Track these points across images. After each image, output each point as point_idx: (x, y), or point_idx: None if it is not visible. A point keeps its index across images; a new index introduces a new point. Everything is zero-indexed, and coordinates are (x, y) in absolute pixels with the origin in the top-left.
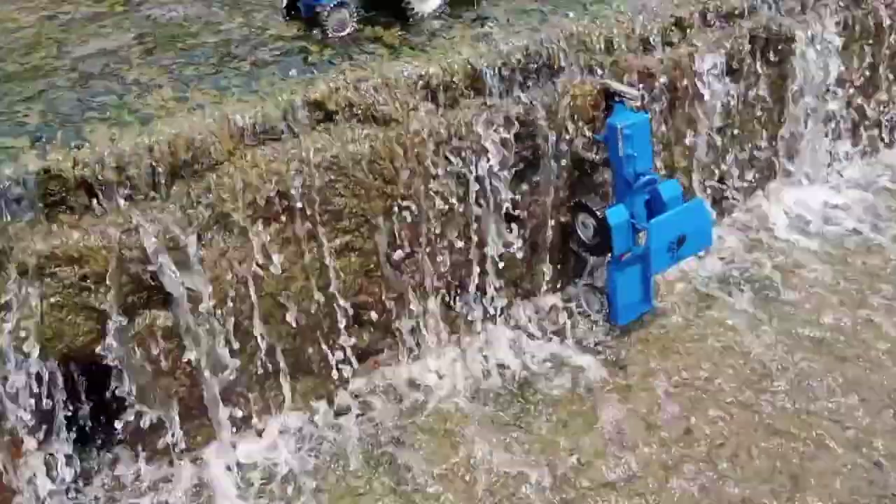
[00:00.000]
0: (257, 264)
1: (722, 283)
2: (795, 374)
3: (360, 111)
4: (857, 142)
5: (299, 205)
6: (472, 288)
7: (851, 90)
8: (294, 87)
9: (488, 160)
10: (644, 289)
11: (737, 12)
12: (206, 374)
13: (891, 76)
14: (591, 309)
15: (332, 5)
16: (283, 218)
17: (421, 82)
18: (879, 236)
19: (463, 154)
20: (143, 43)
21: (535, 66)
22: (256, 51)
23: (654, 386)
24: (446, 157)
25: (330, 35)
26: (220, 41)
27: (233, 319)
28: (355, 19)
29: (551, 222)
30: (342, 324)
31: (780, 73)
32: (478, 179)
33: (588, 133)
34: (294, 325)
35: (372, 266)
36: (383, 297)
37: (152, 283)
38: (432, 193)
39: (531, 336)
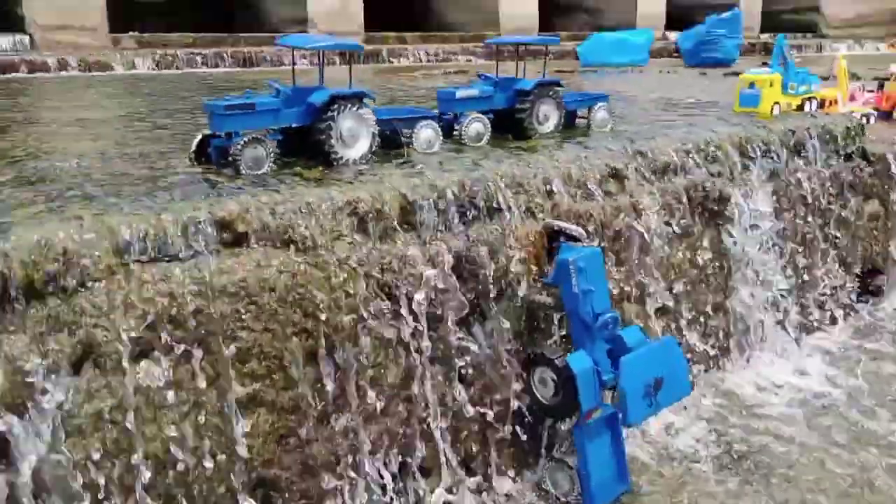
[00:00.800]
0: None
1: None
2: None
3: (275, 235)
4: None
5: (197, 333)
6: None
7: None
8: (198, 204)
9: (427, 297)
10: (618, 462)
11: (671, 168)
12: None
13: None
14: (559, 491)
15: (245, 140)
16: (173, 354)
17: (348, 209)
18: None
19: (398, 291)
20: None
21: (473, 202)
22: (157, 181)
23: None
24: (380, 293)
25: (244, 173)
26: (114, 176)
27: None
28: (272, 159)
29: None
30: None
31: (719, 237)
32: (415, 318)
33: (535, 275)
34: None
35: (288, 428)
36: (303, 474)
37: None
38: (366, 334)
39: None
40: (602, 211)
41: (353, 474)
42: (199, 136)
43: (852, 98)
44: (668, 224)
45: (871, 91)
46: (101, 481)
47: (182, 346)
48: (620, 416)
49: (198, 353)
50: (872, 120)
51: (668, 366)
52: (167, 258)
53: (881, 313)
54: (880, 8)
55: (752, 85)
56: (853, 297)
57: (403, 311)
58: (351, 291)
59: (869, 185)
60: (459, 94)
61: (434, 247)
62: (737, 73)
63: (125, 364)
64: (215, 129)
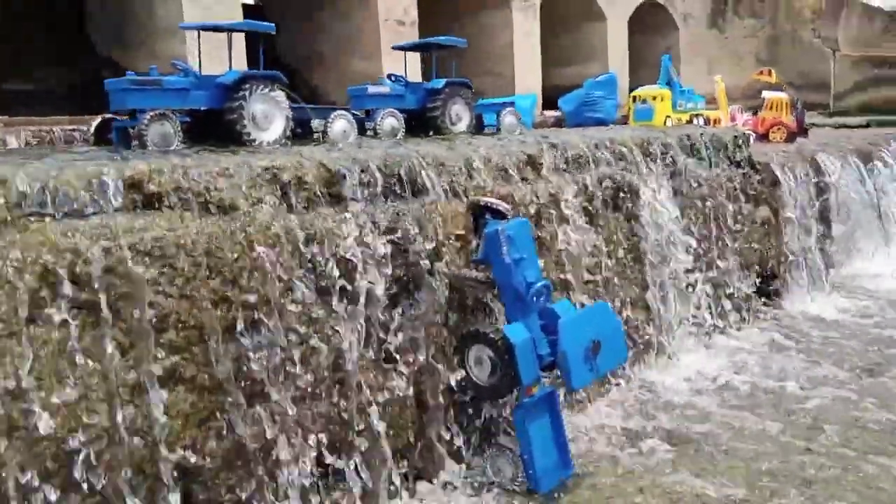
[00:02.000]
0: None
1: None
2: None
3: (191, 197)
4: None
5: (103, 298)
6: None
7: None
8: (104, 164)
9: (356, 272)
10: (561, 446)
11: (581, 160)
12: None
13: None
14: (502, 477)
15: (151, 114)
16: (80, 318)
17: (267, 175)
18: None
19: (325, 262)
20: None
21: (398, 176)
22: (61, 154)
23: None
24: (306, 263)
25: (150, 150)
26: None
27: None
28: (180, 137)
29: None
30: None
31: (632, 231)
32: (343, 293)
33: (463, 253)
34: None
35: (209, 411)
36: (228, 463)
37: None
38: (290, 307)
39: None
40: (522, 195)
41: (283, 464)
42: (99, 119)
43: (732, 119)
44: (585, 211)
45: (750, 113)
46: None
47: (88, 310)
48: (564, 383)
49: (107, 316)
50: (751, 140)
51: (605, 329)
52: (70, 215)
53: (785, 309)
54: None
55: (643, 101)
56: (753, 299)
57: (330, 283)
58: (276, 259)
59: (759, 192)
60: (371, 90)
61: (361, 218)
62: None
63: (22, 325)
64: (118, 107)
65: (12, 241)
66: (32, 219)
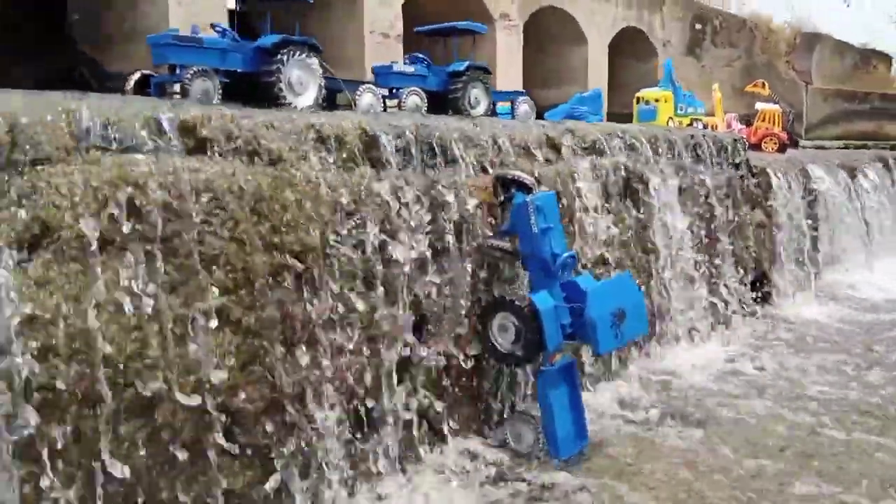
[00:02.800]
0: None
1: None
2: None
3: (240, 145)
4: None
5: (160, 232)
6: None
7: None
8: (159, 105)
9: (393, 232)
10: (578, 415)
11: (597, 145)
12: None
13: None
14: (522, 444)
15: (194, 70)
16: (137, 248)
17: (311, 131)
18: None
19: (365, 218)
20: None
21: (428, 146)
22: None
23: None
24: (346, 219)
25: (191, 102)
26: None
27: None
28: (219, 95)
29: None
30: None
31: (640, 220)
32: (381, 252)
33: (489, 224)
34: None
35: (251, 353)
36: (267, 407)
37: None
38: (333, 255)
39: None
40: (545, 173)
41: (320, 411)
42: (138, 74)
43: (728, 126)
44: (601, 193)
45: (744, 123)
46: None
47: (144, 243)
48: (591, 346)
49: (162, 250)
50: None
51: (629, 299)
52: (128, 150)
53: (776, 310)
54: None
55: (647, 102)
56: (748, 298)
57: (369, 240)
58: (320, 211)
59: (754, 196)
60: (396, 68)
61: (397, 181)
62: None
63: (89, 253)
64: (159, 61)
65: (78, 170)
66: (95, 151)
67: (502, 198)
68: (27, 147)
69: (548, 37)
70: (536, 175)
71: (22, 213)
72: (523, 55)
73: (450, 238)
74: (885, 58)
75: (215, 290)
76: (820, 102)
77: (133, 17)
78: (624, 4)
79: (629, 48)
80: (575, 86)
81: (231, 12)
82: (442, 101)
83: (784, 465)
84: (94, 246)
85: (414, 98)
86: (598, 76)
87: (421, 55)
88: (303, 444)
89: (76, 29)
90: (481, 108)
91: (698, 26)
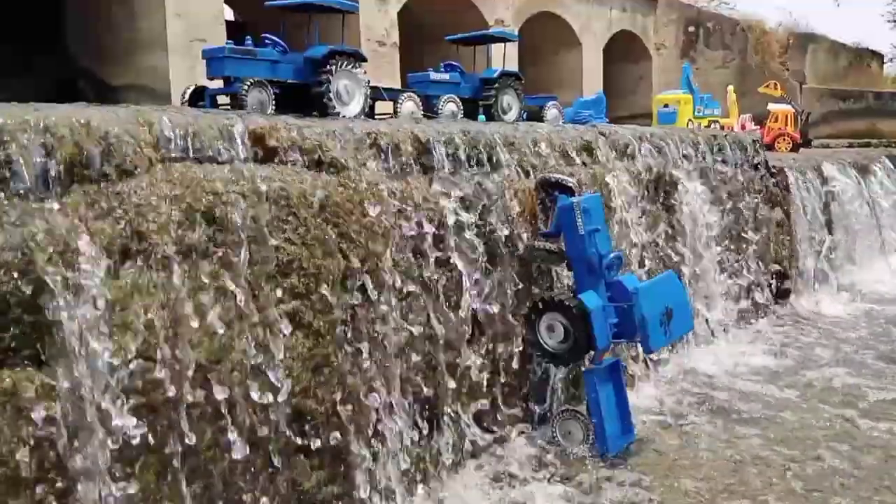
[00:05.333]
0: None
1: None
2: None
3: (305, 154)
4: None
5: (242, 236)
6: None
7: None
8: (230, 116)
9: (446, 236)
10: (624, 412)
11: (629, 149)
12: None
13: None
14: (572, 442)
15: (251, 81)
16: (216, 256)
17: (369, 139)
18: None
19: (423, 223)
20: None
21: (475, 151)
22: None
23: None
24: (405, 223)
25: (250, 113)
26: None
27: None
28: (273, 106)
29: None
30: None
31: (670, 220)
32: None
33: (533, 227)
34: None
35: (322, 355)
36: (336, 408)
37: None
38: (393, 259)
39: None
40: (582, 175)
41: (383, 413)
42: (192, 87)
43: (742, 127)
44: (636, 195)
45: (757, 126)
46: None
47: (224, 249)
48: (640, 344)
49: (241, 257)
50: None
51: (675, 297)
52: (205, 160)
53: (797, 307)
54: None
55: (666, 105)
56: (770, 295)
57: (427, 243)
58: (383, 218)
59: (774, 195)
60: (433, 76)
61: (449, 187)
62: None
63: (173, 261)
64: (214, 74)
65: (162, 180)
66: (176, 161)
67: (546, 200)
68: (115, 159)
69: (543, 42)
70: (577, 178)
71: (112, 223)
72: (519, 61)
73: (498, 240)
74: (878, 56)
75: (287, 295)
76: (814, 102)
77: (132, 31)
78: (618, 9)
79: (623, 52)
80: (570, 90)
81: (228, 22)
82: (475, 106)
83: (822, 454)
84: (178, 254)
85: (450, 106)
86: (593, 80)
87: (455, 63)
88: (369, 444)
89: (76, 45)
90: (512, 114)
91: (692, 29)
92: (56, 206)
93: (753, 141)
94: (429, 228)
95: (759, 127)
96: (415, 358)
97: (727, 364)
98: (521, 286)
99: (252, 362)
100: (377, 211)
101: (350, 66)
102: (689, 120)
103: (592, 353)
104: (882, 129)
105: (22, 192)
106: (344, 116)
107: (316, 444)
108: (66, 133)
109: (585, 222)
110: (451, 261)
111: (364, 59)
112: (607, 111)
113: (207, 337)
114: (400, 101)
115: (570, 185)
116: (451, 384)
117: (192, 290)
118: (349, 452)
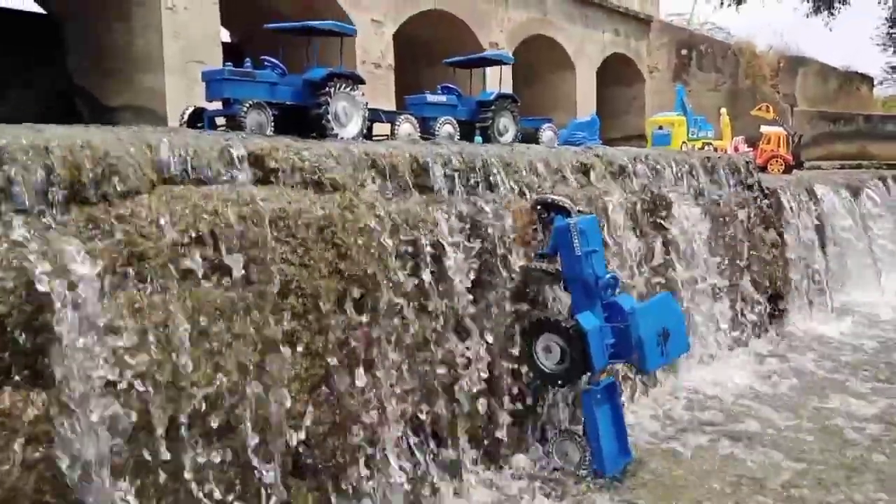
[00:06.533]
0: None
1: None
2: None
3: (305, 174)
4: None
5: (239, 259)
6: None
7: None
8: (229, 137)
9: (444, 256)
10: (621, 432)
11: (625, 170)
12: None
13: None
14: (568, 462)
15: (250, 103)
16: (215, 277)
17: (367, 160)
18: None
19: (420, 243)
20: None
21: (472, 172)
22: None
23: None
24: (404, 243)
25: (248, 135)
26: None
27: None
28: (272, 127)
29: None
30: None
31: (665, 240)
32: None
33: (528, 248)
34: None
35: (319, 377)
36: (333, 430)
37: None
38: (390, 280)
39: None
40: (578, 196)
41: (380, 431)
42: (191, 109)
43: (735, 149)
44: (629, 216)
45: (749, 148)
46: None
47: (222, 270)
48: (637, 364)
49: (240, 278)
50: None
51: (671, 318)
52: (205, 182)
53: (791, 328)
54: None
55: (660, 127)
56: (765, 315)
57: (423, 263)
58: (381, 239)
59: (768, 216)
60: (430, 98)
61: (446, 207)
62: None
63: (174, 281)
64: (214, 97)
65: (162, 202)
66: (176, 182)
67: (542, 221)
68: (115, 180)
69: (537, 64)
70: (573, 198)
71: (112, 244)
72: (513, 83)
73: (494, 261)
74: (867, 79)
75: (286, 315)
76: (804, 125)
77: (129, 52)
78: (611, 32)
79: (616, 75)
80: (564, 113)
81: (224, 44)
82: (471, 129)
83: (819, 475)
84: (177, 275)
85: (447, 128)
86: (587, 102)
87: (452, 85)
88: (366, 464)
89: (74, 64)
90: (509, 136)
91: (684, 52)
92: (56, 226)
93: (747, 162)
94: (427, 249)
95: (751, 149)
96: (410, 378)
97: (723, 384)
98: (518, 306)
99: (251, 387)
100: (374, 231)
101: (348, 89)
102: (683, 142)
103: (589, 373)
104: (872, 152)
105: (22, 212)
106: (342, 138)
107: (312, 463)
108: (67, 154)
109: (582, 244)
110: (448, 279)
111: (362, 82)
112: (601, 133)
113: (206, 357)
114: (397, 123)
115: (567, 205)
116: (449, 405)
117: (190, 311)
118: (345, 472)
